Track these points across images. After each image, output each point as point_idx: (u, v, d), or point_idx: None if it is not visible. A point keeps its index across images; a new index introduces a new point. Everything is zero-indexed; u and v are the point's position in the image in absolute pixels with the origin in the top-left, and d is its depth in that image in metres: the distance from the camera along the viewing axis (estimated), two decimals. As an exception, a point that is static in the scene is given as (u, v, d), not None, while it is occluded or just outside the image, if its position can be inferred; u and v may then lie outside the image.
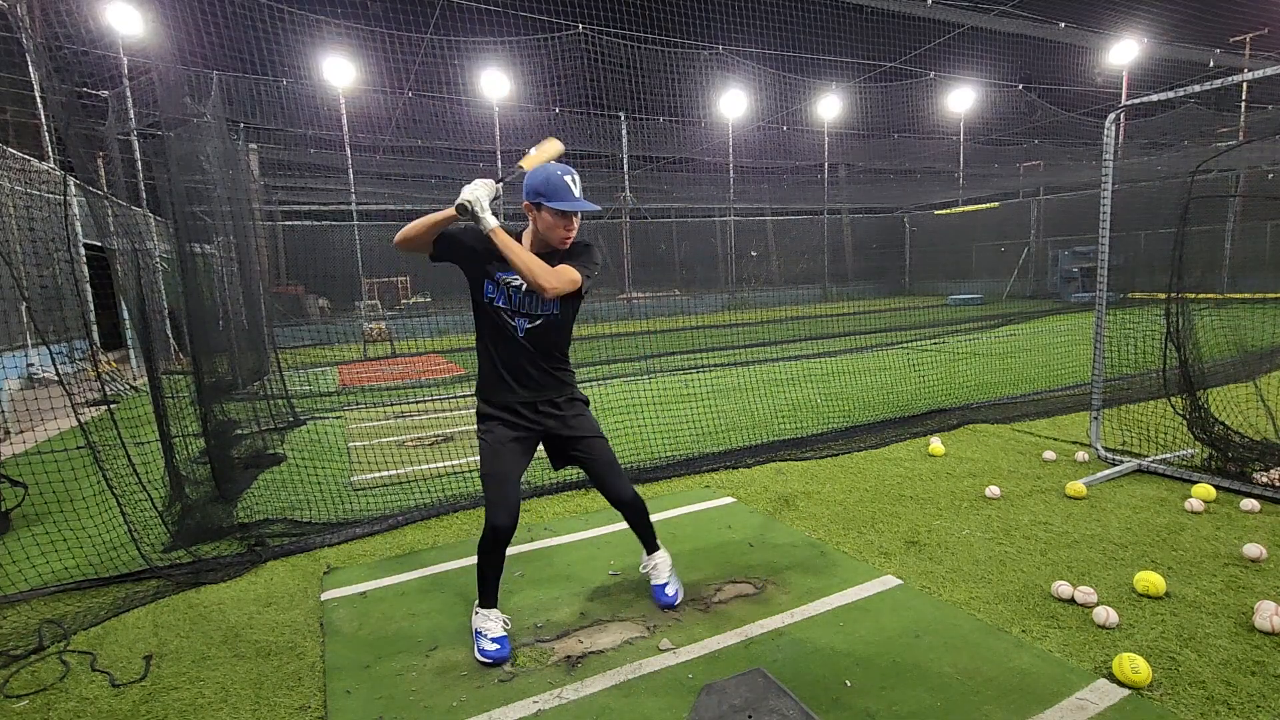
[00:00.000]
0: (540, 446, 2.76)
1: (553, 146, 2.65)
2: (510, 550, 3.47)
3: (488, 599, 2.61)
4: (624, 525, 3.68)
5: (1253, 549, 3.01)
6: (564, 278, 2.37)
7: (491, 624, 2.56)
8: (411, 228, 2.43)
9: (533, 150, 2.62)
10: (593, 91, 17.40)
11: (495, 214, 2.37)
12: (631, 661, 2.46)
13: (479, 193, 2.34)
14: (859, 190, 26.34)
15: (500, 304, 2.51)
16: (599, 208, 2.54)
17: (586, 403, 2.76)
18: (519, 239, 2.50)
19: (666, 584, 2.88)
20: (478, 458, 2.61)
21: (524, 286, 2.45)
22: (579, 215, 2.46)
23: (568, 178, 2.40)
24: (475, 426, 2.67)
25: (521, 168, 2.53)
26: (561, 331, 2.59)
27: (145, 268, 6.61)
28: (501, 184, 2.49)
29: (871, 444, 5.16)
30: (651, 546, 2.93)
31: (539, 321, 2.52)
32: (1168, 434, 4.51)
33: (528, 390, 2.58)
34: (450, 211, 2.36)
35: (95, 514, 3.72)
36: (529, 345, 2.53)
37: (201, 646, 2.70)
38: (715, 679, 2.23)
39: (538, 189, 2.40)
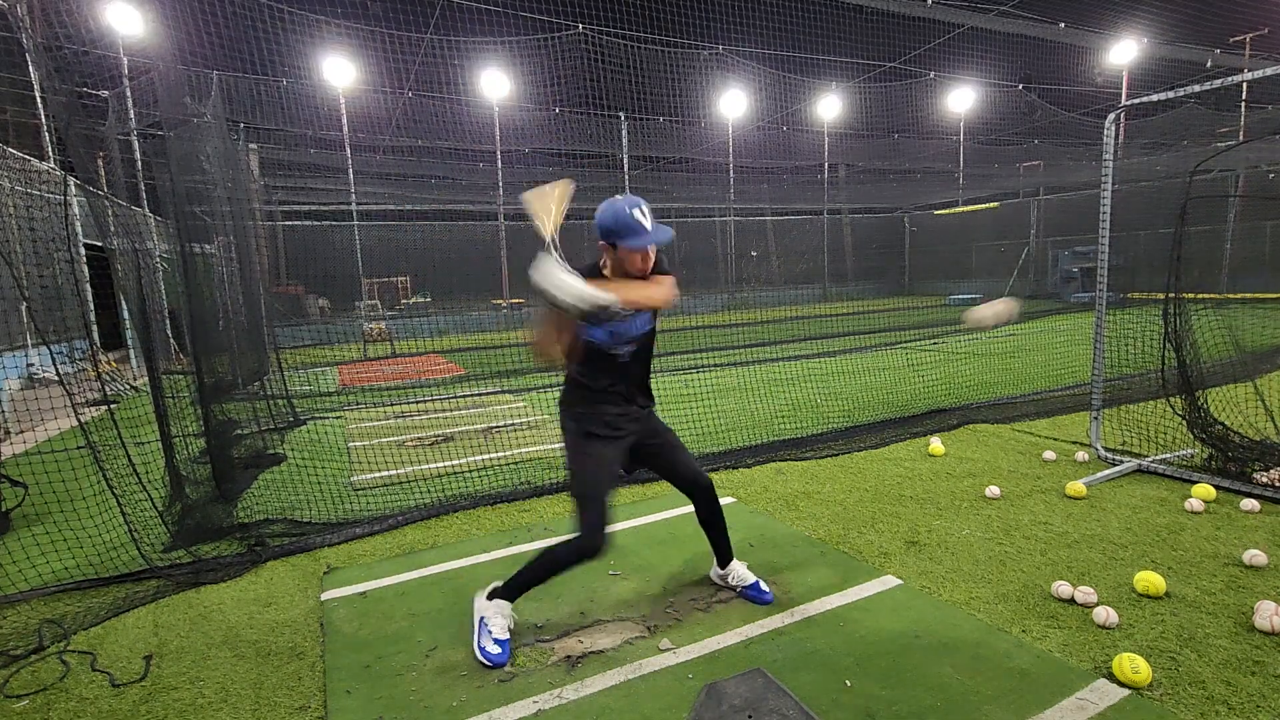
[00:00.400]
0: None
1: (562, 188, 2.50)
2: (511, 550, 3.49)
3: (512, 593, 2.58)
4: (623, 525, 3.69)
5: (1253, 555, 2.98)
6: (667, 284, 2.44)
7: (500, 620, 2.54)
8: (543, 341, 2.33)
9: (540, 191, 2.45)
10: (593, 91, 17.39)
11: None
12: (631, 661, 2.46)
13: (584, 291, 2.11)
14: (859, 190, 26.34)
15: (602, 340, 2.48)
16: (671, 234, 2.43)
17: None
18: (599, 272, 2.45)
19: (758, 581, 2.92)
20: (570, 474, 2.53)
21: (624, 318, 2.44)
22: (653, 246, 2.44)
23: (636, 211, 2.35)
24: (565, 442, 2.60)
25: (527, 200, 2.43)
26: (653, 343, 2.64)
27: (145, 268, 6.62)
28: (553, 244, 2.28)
29: (871, 444, 5.16)
30: (726, 556, 2.93)
31: (636, 343, 2.55)
32: (1168, 434, 4.51)
33: (632, 406, 2.60)
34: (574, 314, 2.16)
35: (95, 514, 3.72)
36: (632, 368, 2.57)
37: (201, 646, 2.70)
38: (715, 679, 2.23)
39: (609, 228, 2.37)
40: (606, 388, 2.54)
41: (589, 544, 2.44)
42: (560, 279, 2.10)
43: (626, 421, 2.60)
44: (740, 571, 2.94)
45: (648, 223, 2.37)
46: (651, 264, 2.46)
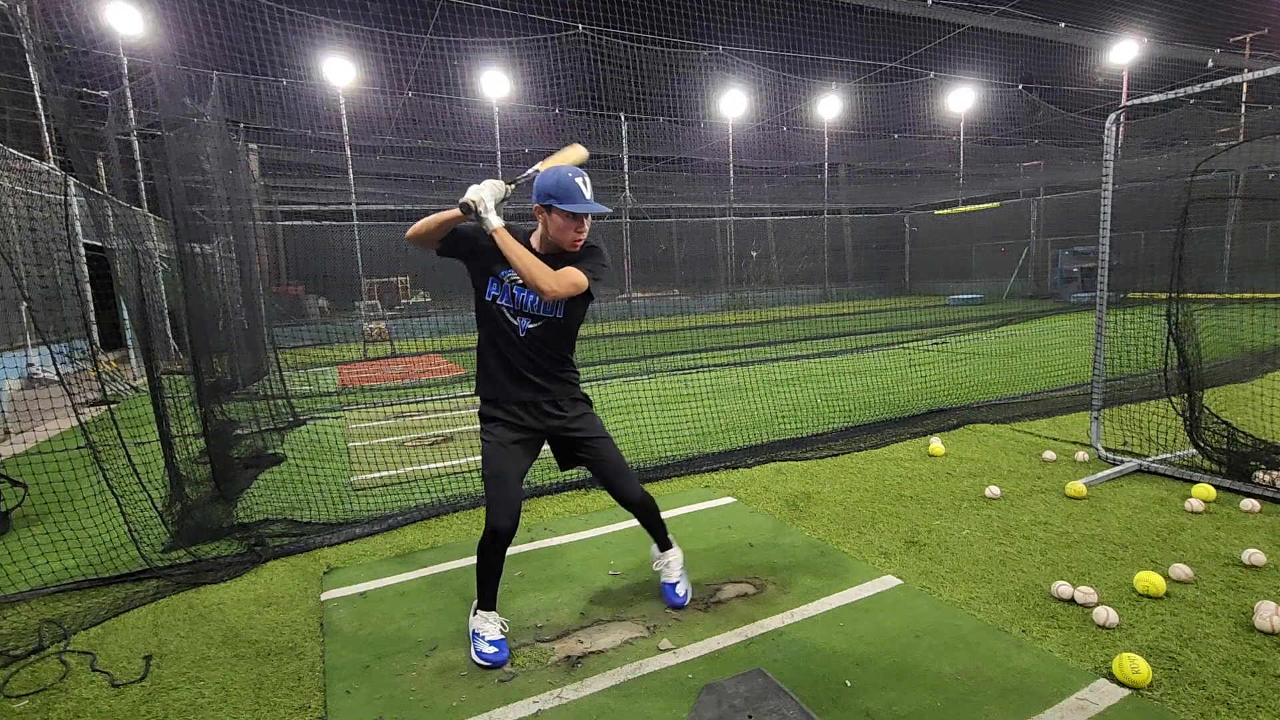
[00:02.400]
0: (546, 447, 2.75)
1: (574, 152, 2.62)
2: (510, 550, 3.47)
3: (486, 601, 2.60)
4: (624, 525, 3.69)
5: (1252, 555, 2.98)
6: (565, 280, 2.35)
7: (490, 626, 2.55)
8: (422, 224, 2.42)
9: (555, 156, 2.58)
10: (593, 92, 17.41)
11: (501, 215, 2.38)
12: (631, 661, 2.46)
13: (484, 193, 2.35)
14: (859, 190, 26.35)
15: (504, 303, 2.50)
16: (609, 209, 2.53)
17: (589, 403, 2.75)
18: (528, 240, 2.50)
19: (677, 583, 2.88)
20: (480, 458, 2.60)
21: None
22: (589, 217, 2.45)
23: (579, 180, 2.39)
24: (478, 427, 2.66)
25: (538, 170, 2.51)
26: (564, 334, 2.58)
27: (145, 268, 6.62)
28: (513, 186, 2.48)
29: (871, 444, 5.16)
30: (664, 544, 2.92)
31: (540, 323, 2.51)
32: (1168, 434, 4.50)
33: (528, 391, 2.56)
34: (457, 210, 2.36)
35: (95, 514, 3.72)
36: (530, 346, 2.52)
37: (201, 646, 2.70)
38: (715, 679, 2.23)
39: (548, 191, 2.39)
40: (506, 368, 2.54)
41: (493, 524, 2.47)
42: (483, 184, 2.37)
43: (530, 411, 2.57)
44: (667, 561, 2.90)
45: (588, 193, 2.40)
46: (583, 240, 2.48)
